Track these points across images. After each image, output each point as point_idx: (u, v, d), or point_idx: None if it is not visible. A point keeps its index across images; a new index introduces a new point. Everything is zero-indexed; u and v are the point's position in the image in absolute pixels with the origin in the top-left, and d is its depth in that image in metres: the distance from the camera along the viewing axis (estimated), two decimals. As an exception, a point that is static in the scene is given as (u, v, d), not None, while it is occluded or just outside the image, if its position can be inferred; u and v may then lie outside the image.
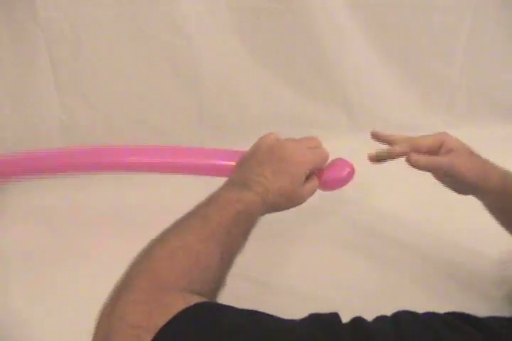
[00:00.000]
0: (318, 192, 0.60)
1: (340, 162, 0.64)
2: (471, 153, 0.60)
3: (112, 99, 0.96)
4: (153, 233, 0.46)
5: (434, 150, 0.62)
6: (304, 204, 0.58)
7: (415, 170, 0.61)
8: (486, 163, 0.61)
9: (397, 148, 0.62)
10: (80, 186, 0.82)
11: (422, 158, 0.61)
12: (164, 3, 0.88)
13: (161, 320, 0.37)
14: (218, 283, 0.47)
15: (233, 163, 0.62)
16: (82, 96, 0.94)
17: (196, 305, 0.39)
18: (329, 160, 0.63)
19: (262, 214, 0.56)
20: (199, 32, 0.92)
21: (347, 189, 0.64)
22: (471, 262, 0.69)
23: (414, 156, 0.60)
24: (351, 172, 0.63)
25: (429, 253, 0.73)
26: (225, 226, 0.50)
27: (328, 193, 0.64)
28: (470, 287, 0.66)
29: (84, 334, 0.39)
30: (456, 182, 0.61)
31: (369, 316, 0.39)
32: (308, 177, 0.59)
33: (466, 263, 0.70)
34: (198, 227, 0.49)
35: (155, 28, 0.90)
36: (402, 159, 0.61)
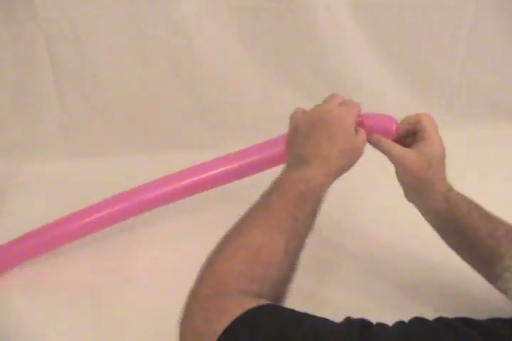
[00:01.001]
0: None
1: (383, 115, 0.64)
2: (429, 165, 0.59)
3: (112, 99, 0.96)
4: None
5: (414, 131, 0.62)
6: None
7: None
8: (432, 182, 0.59)
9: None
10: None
11: (382, 139, 0.61)
12: (164, 3, 0.88)
13: (219, 327, 0.39)
14: (284, 273, 0.47)
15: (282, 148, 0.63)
16: (82, 96, 0.94)
17: (250, 311, 0.40)
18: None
19: (328, 185, 0.56)
20: (199, 32, 0.92)
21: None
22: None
23: (375, 136, 0.62)
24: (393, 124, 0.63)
25: (431, 256, 0.73)
26: (290, 212, 0.49)
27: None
28: (473, 289, 0.66)
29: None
30: (400, 179, 0.62)
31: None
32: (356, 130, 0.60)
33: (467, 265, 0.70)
34: (261, 218, 0.49)
35: (155, 28, 0.90)
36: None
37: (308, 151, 0.57)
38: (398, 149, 0.60)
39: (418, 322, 0.40)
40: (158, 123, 1.00)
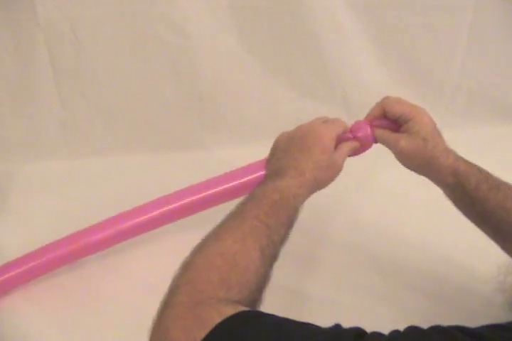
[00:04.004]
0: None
1: (359, 123, 0.65)
2: (425, 141, 0.59)
3: (112, 99, 0.96)
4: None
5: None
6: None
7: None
8: (435, 157, 0.59)
9: None
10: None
11: (378, 132, 0.62)
12: (164, 3, 0.88)
13: (198, 335, 0.38)
14: (261, 280, 0.47)
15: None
16: (82, 96, 0.94)
17: (229, 319, 0.39)
18: None
19: (305, 197, 0.56)
20: (199, 32, 0.92)
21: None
22: (472, 269, 0.69)
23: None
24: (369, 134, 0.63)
25: (430, 260, 0.73)
26: (263, 220, 0.49)
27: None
28: (471, 294, 0.66)
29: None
30: (405, 164, 0.62)
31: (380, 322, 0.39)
32: (336, 146, 0.60)
33: (467, 269, 0.70)
34: (235, 226, 0.49)
35: (155, 28, 0.90)
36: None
37: (284, 164, 0.57)
38: (390, 136, 0.61)
39: (413, 331, 0.40)
40: (158, 123, 1.00)
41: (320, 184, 0.58)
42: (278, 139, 0.63)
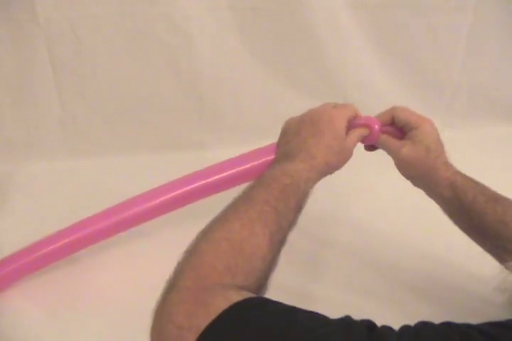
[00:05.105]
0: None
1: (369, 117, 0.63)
2: (428, 151, 0.59)
3: (112, 99, 0.96)
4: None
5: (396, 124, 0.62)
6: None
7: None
8: (435, 168, 0.59)
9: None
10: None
11: (382, 137, 0.62)
12: (164, 3, 0.88)
13: (202, 321, 0.38)
14: (268, 267, 0.46)
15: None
16: (82, 96, 0.94)
17: (235, 305, 0.38)
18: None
19: (315, 181, 0.55)
20: (199, 32, 0.92)
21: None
22: (472, 269, 0.69)
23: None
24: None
25: (430, 260, 0.73)
26: (272, 204, 0.48)
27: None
28: (472, 294, 0.66)
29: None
30: (403, 172, 0.62)
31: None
32: (347, 133, 0.59)
33: (468, 269, 0.70)
34: (243, 211, 0.48)
35: (155, 28, 0.90)
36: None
37: (294, 147, 0.56)
38: (394, 142, 0.61)
39: (424, 325, 0.40)
40: (158, 123, 1.00)
41: (330, 168, 0.57)
42: (287, 123, 0.61)
